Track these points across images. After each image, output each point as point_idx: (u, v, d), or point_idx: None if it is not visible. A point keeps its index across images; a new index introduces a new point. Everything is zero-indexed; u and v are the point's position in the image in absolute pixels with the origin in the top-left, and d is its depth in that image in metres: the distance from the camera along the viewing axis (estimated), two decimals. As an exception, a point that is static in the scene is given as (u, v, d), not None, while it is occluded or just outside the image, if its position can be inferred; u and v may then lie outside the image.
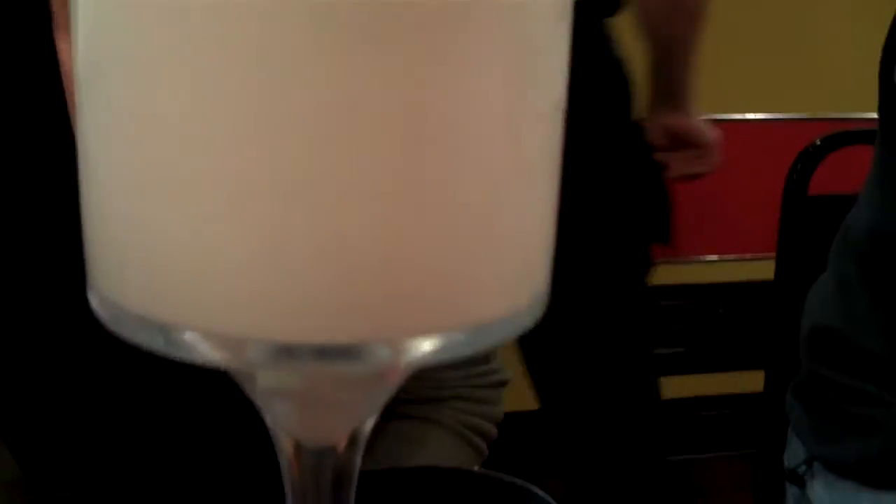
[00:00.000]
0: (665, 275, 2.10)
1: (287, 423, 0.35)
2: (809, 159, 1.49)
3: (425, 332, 0.30)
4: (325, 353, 0.29)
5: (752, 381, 1.88)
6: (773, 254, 1.50)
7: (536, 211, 0.32)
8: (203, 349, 0.29)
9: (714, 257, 2.81)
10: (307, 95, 0.27)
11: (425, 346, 0.30)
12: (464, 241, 0.30)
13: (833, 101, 2.68)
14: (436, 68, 0.28)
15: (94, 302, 0.31)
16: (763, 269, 1.76)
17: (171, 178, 0.28)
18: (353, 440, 0.36)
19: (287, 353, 0.29)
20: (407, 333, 0.30)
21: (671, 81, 1.71)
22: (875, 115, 1.25)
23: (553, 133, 0.32)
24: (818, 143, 1.51)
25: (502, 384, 1.03)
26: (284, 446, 0.35)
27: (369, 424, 0.36)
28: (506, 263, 0.31)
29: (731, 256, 2.82)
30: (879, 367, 1.27)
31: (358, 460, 0.36)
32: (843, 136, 1.55)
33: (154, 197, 0.28)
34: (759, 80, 2.73)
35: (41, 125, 0.81)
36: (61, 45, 0.84)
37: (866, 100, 1.59)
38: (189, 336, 0.29)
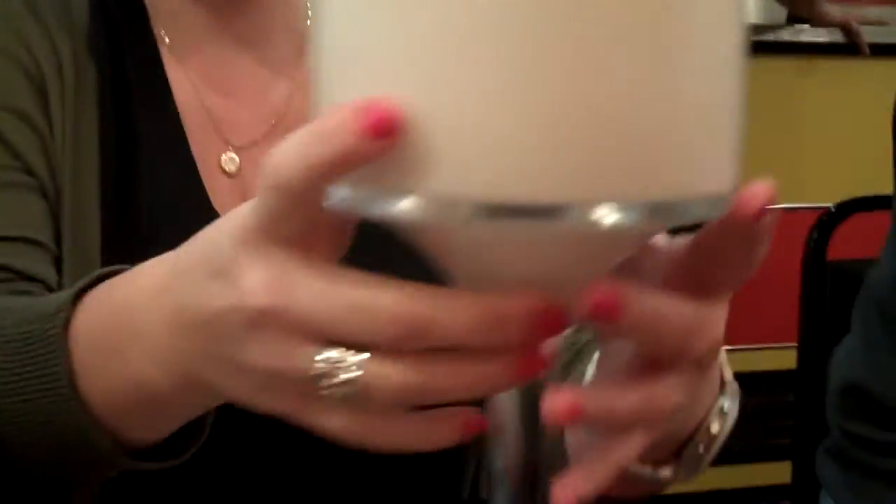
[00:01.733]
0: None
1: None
2: (825, 227, 1.53)
3: (615, 199, 0.33)
4: (525, 211, 0.33)
5: (779, 473, 1.87)
6: (795, 343, 1.52)
7: (735, 112, 0.36)
8: (426, 212, 0.34)
9: (734, 347, 2.78)
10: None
11: (613, 215, 0.33)
12: (678, 121, 0.34)
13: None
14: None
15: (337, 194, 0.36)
16: (786, 358, 1.75)
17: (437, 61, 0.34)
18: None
19: (493, 211, 0.32)
20: (600, 199, 0.33)
21: None
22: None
23: (743, 57, 0.37)
24: (833, 209, 1.55)
25: None
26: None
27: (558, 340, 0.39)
28: (702, 150, 0.35)
29: (752, 346, 2.79)
30: None
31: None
32: (858, 203, 1.59)
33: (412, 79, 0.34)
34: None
35: (157, 154, 0.83)
36: (172, 70, 0.87)
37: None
38: (412, 200, 0.34)
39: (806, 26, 2.73)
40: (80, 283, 0.57)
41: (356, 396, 0.41)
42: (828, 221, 1.54)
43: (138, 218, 0.80)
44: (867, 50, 2.67)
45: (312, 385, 0.41)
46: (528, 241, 0.34)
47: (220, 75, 0.88)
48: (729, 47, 0.35)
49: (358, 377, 0.40)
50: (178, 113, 0.86)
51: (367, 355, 0.40)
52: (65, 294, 0.58)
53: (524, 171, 0.32)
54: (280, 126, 0.88)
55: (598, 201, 0.33)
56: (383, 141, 0.34)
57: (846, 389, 1.35)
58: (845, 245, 1.58)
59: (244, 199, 0.68)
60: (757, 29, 2.66)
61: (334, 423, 0.43)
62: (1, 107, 0.80)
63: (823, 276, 1.52)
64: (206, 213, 0.76)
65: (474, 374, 0.40)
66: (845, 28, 2.66)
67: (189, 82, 0.87)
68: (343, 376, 0.41)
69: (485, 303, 0.38)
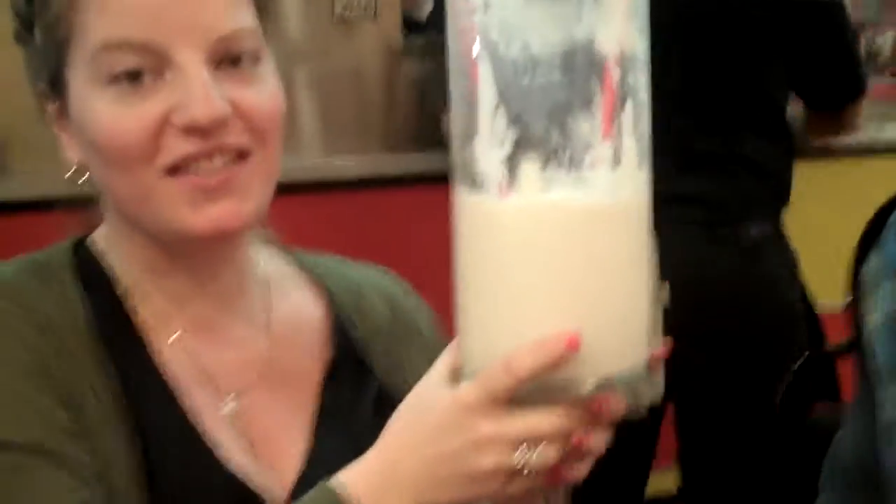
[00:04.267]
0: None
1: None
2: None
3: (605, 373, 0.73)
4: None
5: None
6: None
7: (648, 310, 0.76)
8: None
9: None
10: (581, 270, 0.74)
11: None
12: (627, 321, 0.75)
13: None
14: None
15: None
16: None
17: (518, 305, 0.74)
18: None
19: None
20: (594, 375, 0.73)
21: None
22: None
23: (652, 274, 0.76)
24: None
25: None
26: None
27: None
28: (641, 335, 0.75)
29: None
30: None
31: None
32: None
33: (499, 314, 0.75)
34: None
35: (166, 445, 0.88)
36: (157, 341, 0.92)
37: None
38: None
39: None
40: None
41: (539, 466, 0.75)
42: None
43: (166, 498, 0.87)
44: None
45: (519, 468, 0.75)
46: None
47: (205, 335, 0.95)
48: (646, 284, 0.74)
49: (543, 456, 0.75)
50: (179, 403, 0.90)
51: (541, 446, 0.75)
52: None
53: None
54: (268, 376, 0.96)
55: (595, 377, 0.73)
56: (573, 351, 0.71)
57: None
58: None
59: (248, 440, 0.92)
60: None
61: (520, 485, 0.76)
62: (69, 434, 0.83)
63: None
64: (214, 465, 0.89)
65: (577, 451, 0.76)
66: None
67: (179, 347, 0.93)
68: (536, 458, 0.75)
69: (577, 416, 0.74)
